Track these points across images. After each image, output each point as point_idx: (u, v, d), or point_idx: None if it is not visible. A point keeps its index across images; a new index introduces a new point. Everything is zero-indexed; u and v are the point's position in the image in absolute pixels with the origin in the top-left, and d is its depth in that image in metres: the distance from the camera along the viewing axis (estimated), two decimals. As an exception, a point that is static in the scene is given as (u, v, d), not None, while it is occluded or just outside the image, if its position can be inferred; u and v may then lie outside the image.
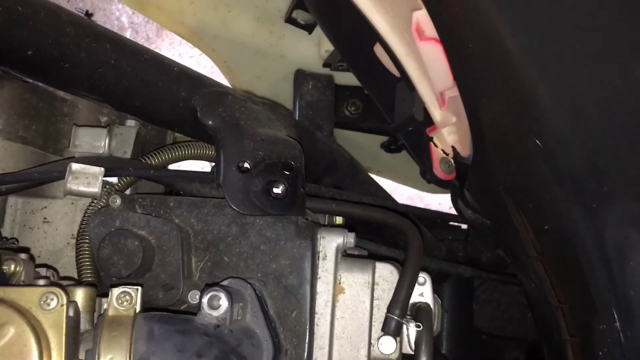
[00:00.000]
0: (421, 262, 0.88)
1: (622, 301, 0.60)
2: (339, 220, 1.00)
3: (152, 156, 0.93)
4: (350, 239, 0.86)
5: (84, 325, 0.65)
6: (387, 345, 0.82)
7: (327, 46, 1.07)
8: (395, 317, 0.83)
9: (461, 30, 0.56)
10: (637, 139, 0.52)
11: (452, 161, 0.90)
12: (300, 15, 1.02)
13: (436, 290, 0.94)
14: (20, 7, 0.64)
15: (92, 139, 0.91)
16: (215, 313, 0.68)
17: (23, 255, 0.73)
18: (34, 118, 0.92)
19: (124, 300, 0.65)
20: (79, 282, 0.82)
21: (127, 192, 0.91)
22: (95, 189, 0.80)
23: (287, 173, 0.83)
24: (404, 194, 2.02)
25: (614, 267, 0.58)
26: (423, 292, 0.91)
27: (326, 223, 1.00)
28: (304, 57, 1.11)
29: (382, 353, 0.82)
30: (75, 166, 0.79)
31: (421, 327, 0.85)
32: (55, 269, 0.85)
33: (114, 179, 0.88)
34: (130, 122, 0.97)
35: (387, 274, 0.87)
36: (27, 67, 0.69)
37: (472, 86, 0.64)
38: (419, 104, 0.84)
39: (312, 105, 1.10)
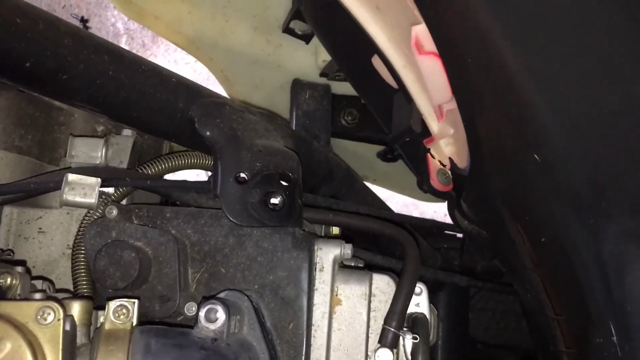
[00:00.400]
0: (418, 271, 0.88)
1: (619, 316, 0.60)
2: (335, 230, 1.00)
3: (148, 166, 0.93)
4: (347, 250, 0.86)
5: (80, 339, 0.64)
6: (384, 357, 0.81)
7: (325, 56, 1.07)
8: (392, 329, 0.83)
9: (460, 46, 0.56)
10: (635, 156, 0.52)
11: (449, 172, 0.90)
12: (297, 26, 1.02)
13: (432, 299, 0.94)
14: (18, 19, 0.64)
15: (88, 149, 0.91)
16: (212, 326, 0.68)
17: (19, 269, 0.73)
18: (30, 127, 0.92)
19: (120, 313, 0.64)
20: (74, 295, 0.81)
21: (124, 202, 0.91)
22: (92, 199, 0.79)
23: (285, 184, 0.83)
24: (399, 201, 2.02)
25: (612, 282, 0.58)
26: (419, 303, 0.91)
27: (323, 233, 1.00)
28: (301, 66, 1.11)
29: (379, 365, 0.82)
30: (71, 177, 0.79)
31: (418, 339, 0.85)
32: (51, 281, 0.84)
33: (111, 189, 0.88)
34: (127, 132, 0.97)
35: (384, 286, 0.87)
36: (24, 78, 0.69)
37: (470, 100, 0.64)
38: (417, 116, 0.84)
39: (309, 114, 1.10)
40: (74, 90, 0.73)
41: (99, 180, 0.80)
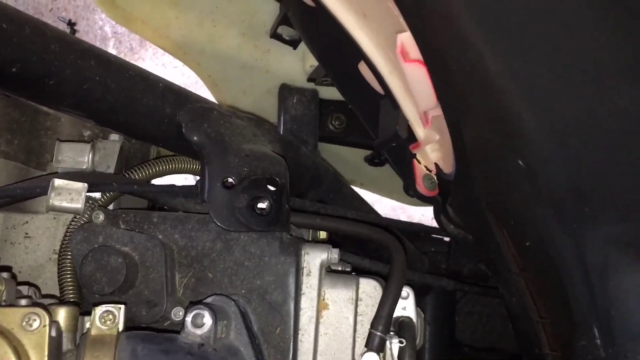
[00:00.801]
0: (405, 276, 0.89)
1: (603, 320, 0.61)
2: (323, 234, 1.01)
3: (135, 170, 0.93)
4: (334, 254, 0.86)
5: (66, 345, 0.64)
6: (371, 361, 0.82)
7: (312, 61, 1.08)
8: (379, 333, 0.83)
9: (445, 53, 0.57)
10: (618, 162, 0.53)
11: (435, 178, 0.91)
12: (285, 31, 1.02)
13: (419, 302, 0.95)
14: (4, 24, 0.64)
15: (75, 154, 0.91)
16: (199, 331, 0.68)
17: (4, 274, 0.72)
18: (16, 132, 0.91)
19: (107, 319, 0.64)
20: (60, 300, 0.81)
21: (111, 207, 0.90)
22: (78, 204, 0.79)
23: (272, 189, 0.83)
24: (387, 205, 2.03)
25: (595, 286, 0.59)
26: (406, 307, 0.92)
27: (310, 237, 1.00)
28: (289, 71, 1.12)
29: (365, 369, 0.83)
30: (58, 182, 0.78)
31: (404, 343, 0.86)
32: (37, 287, 0.84)
33: (97, 194, 0.87)
34: (114, 137, 0.97)
35: (370, 290, 0.87)
36: (11, 83, 0.69)
37: (455, 107, 0.64)
38: (403, 121, 0.85)
39: (296, 119, 1.11)
40: (61, 95, 0.73)
41: (86, 185, 0.80)
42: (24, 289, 0.79)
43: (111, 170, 0.93)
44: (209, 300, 0.75)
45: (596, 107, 0.52)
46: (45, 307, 0.62)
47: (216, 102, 1.03)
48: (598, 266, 0.57)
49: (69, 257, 0.84)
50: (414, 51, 0.62)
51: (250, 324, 0.79)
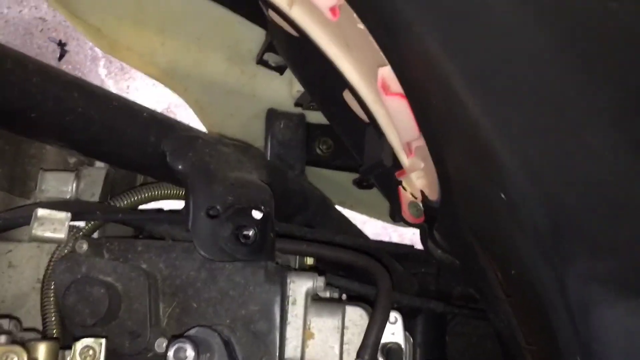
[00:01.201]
0: (391, 304, 0.88)
1: (586, 354, 0.61)
2: (309, 260, 1.01)
3: (120, 198, 0.92)
4: (320, 282, 0.86)
5: (46, 380, 0.63)
6: (357, 391, 0.81)
7: (299, 86, 1.08)
8: (365, 362, 0.83)
9: (423, 88, 0.57)
10: (593, 202, 0.53)
11: (421, 205, 0.91)
12: (271, 58, 1.03)
13: (408, 324, 0.94)
14: (-15, 58, 0.64)
15: (59, 183, 0.90)
16: (181, 365, 0.68)
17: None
18: None
19: (87, 355, 0.64)
20: (42, 335, 0.80)
21: (95, 235, 0.90)
22: (62, 234, 0.79)
23: (257, 217, 0.83)
24: (378, 224, 2.03)
25: (578, 321, 0.59)
26: (394, 332, 0.91)
27: (297, 264, 1.00)
28: (276, 96, 1.12)
29: (351, 399, 0.82)
30: (41, 212, 0.78)
31: (390, 367, 0.85)
32: (18, 319, 0.83)
33: (82, 223, 0.87)
34: (99, 164, 0.96)
35: (356, 318, 0.87)
36: (-8, 116, 0.69)
37: (436, 139, 0.65)
38: (388, 149, 0.85)
39: (283, 144, 1.11)
40: (43, 127, 0.72)
41: (69, 214, 0.79)
42: (5, 323, 0.78)
43: (96, 197, 0.92)
44: (192, 332, 0.75)
45: (570, 149, 0.53)
46: (23, 345, 0.62)
47: (202, 129, 1.03)
48: (579, 301, 0.57)
49: (52, 287, 0.83)
50: (395, 84, 0.62)
51: (235, 354, 0.79)
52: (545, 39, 0.45)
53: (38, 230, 0.77)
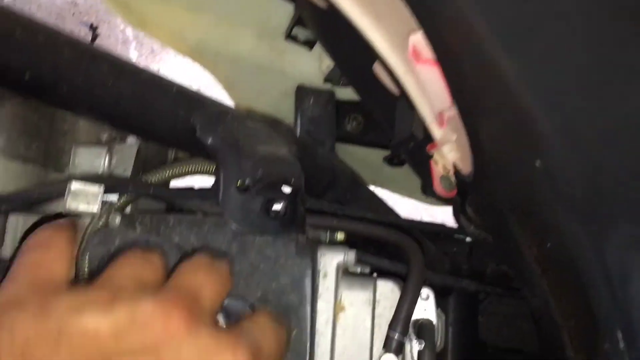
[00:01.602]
0: (423, 279, 0.88)
1: (625, 323, 0.59)
2: (340, 236, 1.00)
3: (152, 174, 0.93)
4: (350, 256, 0.86)
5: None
6: (388, 364, 0.81)
7: (328, 62, 1.07)
8: (397, 335, 0.82)
9: (457, 54, 0.55)
10: (636, 163, 0.52)
11: (453, 178, 0.89)
12: (300, 32, 1.02)
13: (440, 303, 0.93)
14: (18, 32, 0.64)
15: (92, 158, 0.91)
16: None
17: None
18: (34, 136, 0.92)
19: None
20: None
21: (127, 210, 0.91)
22: (95, 207, 0.80)
23: (287, 191, 0.83)
24: (409, 204, 2.01)
25: (617, 289, 0.57)
26: (426, 308, 0.90)
27: (328, 239, 1.00)
28: (305, 72, 1.11)
29: (383, 373, 0.82)
30: (74, 185, 0.79)
31: (423, 345, 0.85)
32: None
33: (114, 197, 0.88)
34: (131, 140, 0.97)
35: (388, 292, 0.86)
36: (24, 89, 0.70)
37: (470, 107, 0.63)
38: (419, 122, 0.84)
39: (313, 120, 1.10)
40: (74, 100, 0.73)
41: (102, 188, 0.80)
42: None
43: (128, 173, 0.93)
44: (224, 302, 0.75)
45: (611, 107, 0.51)
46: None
47: (231, 105, 1.03)
48: (619, 269, 0.56)
49: (86, 260, 0.84)
50: (426, 52, 0.60)
51: None
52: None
53: (72, 203, 0.78)
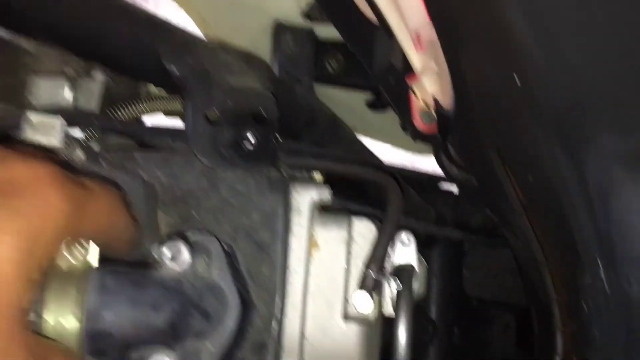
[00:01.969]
0: (401, 217, 0.84)
1: (605, 246, 0.56)
2: (317, 177, 0.97)
3: (119, 109, 0.89)
4: (325, 193, 0.82)
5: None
6: (364, 302, 0.78)
7: (307, -3, 1.02)
8: (373, 274, 0.79)
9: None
10: (620, 69, 0.48)
11: (433, 112, 0.86)
12: (276, -38, 0.97)
13: (425, 255, 0.90)
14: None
15: (55, 91, 0.87)
16: (175, 266, 0.65)
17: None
18: (-5, 70, 0.88)
19: (76, 252, 0.61)
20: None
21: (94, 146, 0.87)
22: (55, 141, 0.76)
23: (258, 124, 0.79)
24: (393, 159, 1.98)
25: (597, 209, 0.54)
26: (407, 254, 0.87)
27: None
28: (283, 8, 1.06)
29: (358, 311, 0.79)
30: (32, 117, 0.75)
31: (400, 284, 0.82)
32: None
33: (80, 135, 0.84)
34: (98, 76, 0.92)
35: (364, 231, 0.83)
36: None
37: (445, 20, 0.59)
38: (398, 50, 0.80)
39: (291, 59, 1.06)
40: (40, 25, 0.70)
41: (63, 120, 0.76)
42: None
43: (93, 108, 0.89)
44: (187, 234, 0.71)
45: (593, 15, 0.47)
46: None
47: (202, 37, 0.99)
48: (600, 186, 0.53)
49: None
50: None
51: (237, 264, 0.76)
52: None
53: (29, 135, 0.74)
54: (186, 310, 0.62)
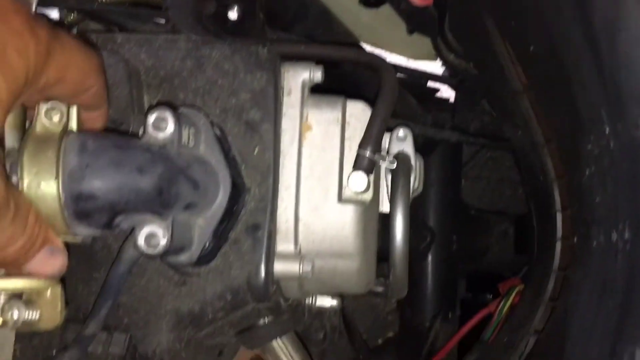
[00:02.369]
0: (395, 97, 0.81)
1: (611, 90, 0.53)
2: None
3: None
4: (317, 73, 0.78)
5: (12, 142, 0.58)
6: (358, 181, 0.75)
7: None
8: (367, 154, 0.76)
9: None
10: None
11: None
12: None
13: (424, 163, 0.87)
14: None
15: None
16: (160, 134, 0.61)
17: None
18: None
19: (54, 115, 0.58)
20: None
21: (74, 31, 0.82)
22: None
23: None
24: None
25: (603, 47, 0.50)
26: (403, 148, 0.84)
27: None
28: None
29: (353, 192, 0.76)
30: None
31: (396, 164, 0.78)
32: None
33: (56, 16, 0.80)
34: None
35: (358, 112, 0.79)
36: None
37: None
38: None
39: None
40: None
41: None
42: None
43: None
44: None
45: None
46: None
47: None
48: (606, 18, 0.49)
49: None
50: None
51: (228, 145, 0.73)
52: None
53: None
54: (173, 175, 0.59)
